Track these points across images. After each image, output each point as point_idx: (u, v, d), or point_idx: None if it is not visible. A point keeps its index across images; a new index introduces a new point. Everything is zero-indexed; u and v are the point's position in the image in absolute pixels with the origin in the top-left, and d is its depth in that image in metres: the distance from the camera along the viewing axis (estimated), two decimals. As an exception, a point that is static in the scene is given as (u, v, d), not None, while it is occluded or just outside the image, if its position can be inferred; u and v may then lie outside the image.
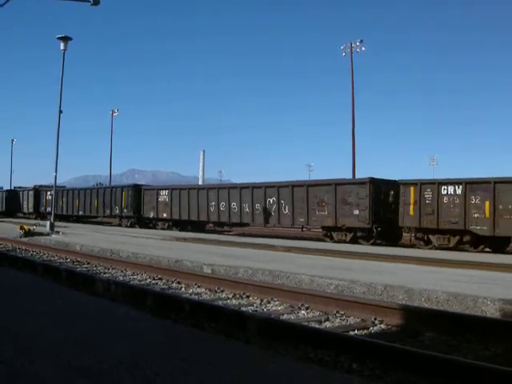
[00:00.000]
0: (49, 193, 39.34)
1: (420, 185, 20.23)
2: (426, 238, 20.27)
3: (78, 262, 13.33)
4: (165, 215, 30.95)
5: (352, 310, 7.16)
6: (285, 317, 7.17)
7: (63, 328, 4.50)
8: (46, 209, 40.95)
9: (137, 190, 33.03)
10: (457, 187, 19.21)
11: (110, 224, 35.89)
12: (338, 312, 7.16)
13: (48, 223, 23.41)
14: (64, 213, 38.65)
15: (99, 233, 25.02)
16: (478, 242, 18.95)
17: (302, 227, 24.88)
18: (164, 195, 31.16)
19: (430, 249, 19.46)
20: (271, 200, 24.60)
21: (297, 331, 5.69)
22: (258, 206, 25.21)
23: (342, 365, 4.77)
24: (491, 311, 6.91)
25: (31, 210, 43.99)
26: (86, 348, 3.80)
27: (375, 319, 6.72)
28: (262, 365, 3.60)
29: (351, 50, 45.22)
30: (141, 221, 32.64)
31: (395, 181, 21.60)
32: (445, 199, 19.39)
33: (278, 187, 24.58)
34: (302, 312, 7.45)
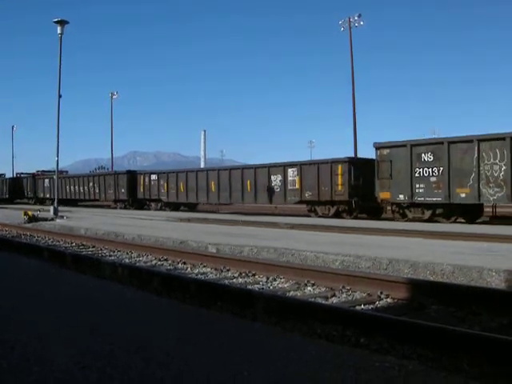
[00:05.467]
0: None
1: (144, 174, 36.03)
2: (150, 204, 35.40)
3: (83, 245, 13.38)
4: (43, 195, 46.28)
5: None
6: (291, 294, 7.22)
7: (71, 312, 4.53)
8: None
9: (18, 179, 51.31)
10: (155, 176, 34.82)
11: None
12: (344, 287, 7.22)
13: (52, 208, 23.45)
14: None
15: (101, 216, 25.15)
16: (168, 205, 33.77)
17: (114, 201, 38.77)
18: (47, 182, 45.36)
19: (155, 210, 33.78)
20: (91, 184, 40.50)
21: (304, 307, 5.73)
22: (85, 188, 41.15)
23: (349, 339, 4.81)
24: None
25: None
26: (95, 332, 3.83)
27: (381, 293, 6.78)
28: (271, 342, 3.63)
29: (349, 24, 44.65)
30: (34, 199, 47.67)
31: (135, 171, 38.23)
32: (152, 182, 34.73)
33: (93, 176, 41.92)
34: (308, 288, 7.50)
